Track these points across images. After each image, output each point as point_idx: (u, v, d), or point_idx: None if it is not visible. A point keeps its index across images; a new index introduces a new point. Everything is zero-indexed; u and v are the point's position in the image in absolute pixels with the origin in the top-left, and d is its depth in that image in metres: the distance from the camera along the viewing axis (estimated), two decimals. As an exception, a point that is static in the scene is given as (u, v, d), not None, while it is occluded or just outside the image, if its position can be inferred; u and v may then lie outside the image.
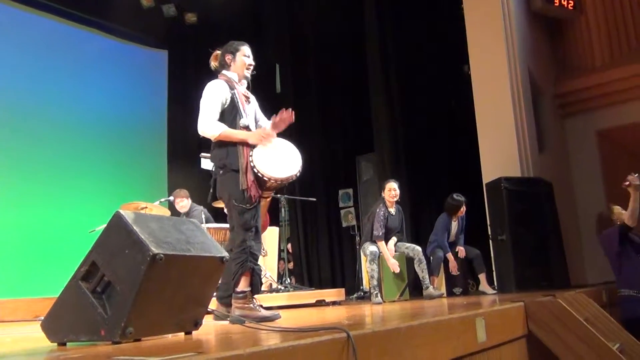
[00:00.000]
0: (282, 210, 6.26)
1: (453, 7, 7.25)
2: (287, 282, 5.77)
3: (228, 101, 3.21)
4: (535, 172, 6.16)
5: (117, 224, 1.99)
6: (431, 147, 7.75)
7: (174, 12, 8.27)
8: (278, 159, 3.14)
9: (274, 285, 5.61)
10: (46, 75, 7.31)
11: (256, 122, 3.42)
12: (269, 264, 5.87)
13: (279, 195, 6.09)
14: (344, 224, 8.45)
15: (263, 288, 5.34)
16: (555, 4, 7.46)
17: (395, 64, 7.80)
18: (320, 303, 5.19)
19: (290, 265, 8.22)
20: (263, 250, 5.71)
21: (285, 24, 8.75)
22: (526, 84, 6.48)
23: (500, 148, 6.11)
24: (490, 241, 5.86)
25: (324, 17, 8.36)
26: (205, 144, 5.76)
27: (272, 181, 3.06)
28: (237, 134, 3.13)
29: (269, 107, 9.24)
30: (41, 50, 7.33)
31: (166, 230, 2.10)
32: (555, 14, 7.65)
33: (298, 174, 3.14)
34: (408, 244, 5.51)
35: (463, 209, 5.85)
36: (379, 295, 5.08)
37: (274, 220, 6.58)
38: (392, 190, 5.50)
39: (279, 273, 6.52)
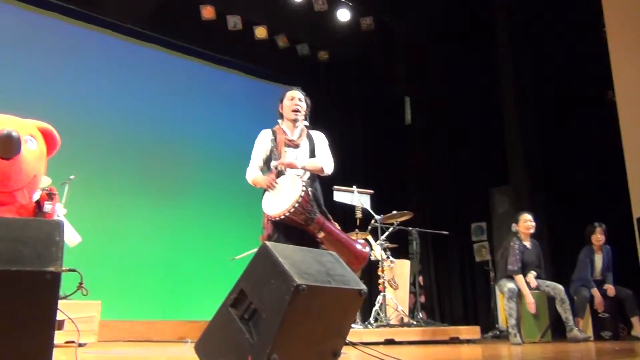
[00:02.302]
0: (413, 243, 6.19)
1: (594, 28, 6.85)
2: (418, 317, 5.66)
3: (268, 149, 3.58)
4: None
5: (263, 255, 2.10)
6: (571, 178, 7.29)
7: (307, 51, 8.65)
8: (278, 196, 3.35)
9: (406, 320, 5.53)
10: (186, 112, 7.93)
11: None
12: (400, 297, 5.80)
13: (409, 228, 6.05)
14: (478, 259, 8.16)
15: (394, 322, 5.30)
16: None
17: (530, 91, 7.50)
18: (454, 340, 5.03)
19: (422, 299, 8.06)
20: (394, 283, 5.69)
21: (414, 57, 8.79)
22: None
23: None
24: (644, 281, 5.35)
25: (453, 48, 8.30)
26: (337, 178, 5.93)
27: (273, 218, 3.29)
28: (258, 180, 3.52)
29: (400, 139, 9.27)
30: (182, 90, 7.95)
31: (308, 262, 2.17)
32: None
33: (295, 205, 3.21)
34: (548, 282, 5.19)
35: (600, 237, 5.41)
36: (517, 335, 4.82)
37: (404, 253, 6.53)
38: (527, 221, 5.25)
39: (410, 307, 6.42)
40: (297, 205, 3.21)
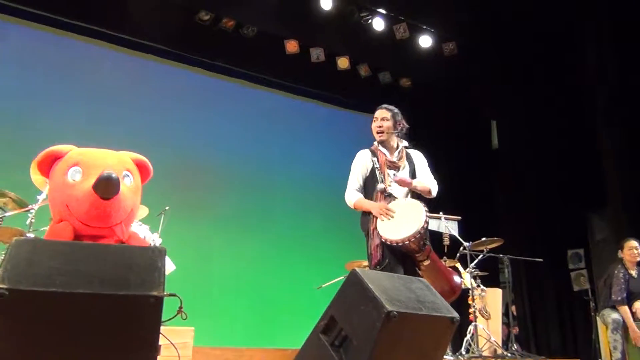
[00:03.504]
0: (505, 271, 5.96)
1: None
2: (513, 349, 5.41)
3: (369, 170, 3.45)
4: None
5: (353, 281, 2.11)
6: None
7: (389, 79, 8.68)
8: (399, 221, 3.20)
9: (499, 351, 5.31)
10: (271, 144, 8.15)
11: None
12: (492, 328, 5.59)
13: (500, 255, 5.84)
14: (576, 288, 7.71)
15: (487, 353, 5.10)
16: None
17: (627, 107, 7.09)
18: (553, 374, 4.76)
19: (515, 330, 7.70)
20: (486, 312, 5.49)
21: (499, 80, 8.59)
22: None
23: None
24: None
25: (540, 68, 8.05)
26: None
27: (394, 243, 3.15)
28: (365, 204, 3.38)
29: (487, 163, 9.04)
30: (267, 122, 8.19)
31: (398, 289, 2.15)
32: None
33: (421, 231, 3.12)
34: (657, 313, 4.82)
35: None
36: (623, 370, 4.49)
37: (495, 281, 6.30)
38: (633, 249, 4.93)
39: (503, 338, 6.16)
40: (422, 231, 3.12)
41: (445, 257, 5.45)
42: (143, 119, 7.18)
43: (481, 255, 5.57)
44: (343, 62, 8.11)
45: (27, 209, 4.23)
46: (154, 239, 4.79)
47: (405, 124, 3.60)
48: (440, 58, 8.14)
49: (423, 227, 3.12)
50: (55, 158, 2.46)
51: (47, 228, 4.12)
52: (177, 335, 4.30)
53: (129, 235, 2.47)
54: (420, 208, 3.22)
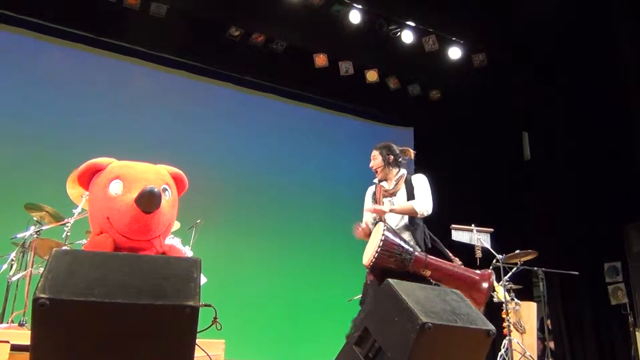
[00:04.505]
0: (540, 284, 5.84)
1: None
2: (549, 364, 5.29)
3: (370, 202, 3.84)
4: None
5: (386, 293, 2.09)
6: None
7: (418, 91, 8.66)
8: (368, 246, 3.50)
9: (535, 367, 5.19)
10: (302, 158, 8.20)
11: None
12: (527, 342, 5.46)
13: (535, 268, 5.73)
14: (613, 302, 7.49)
15: (522, 369, 4.99)
16: None
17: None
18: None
19: (551, 345, 7.52)
20: (520, 326, 5.38)
21: (530, 91, 8.49)
22: None
23: None
24: None
25: (572, 77, 7.92)
26: (453, 217, 5.78)
27: (367, 268, 3.44)
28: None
29: (519, 175, 8.89)
30: (298, 136, 8.27)
31: (432, 300, 2.13)
32: None
33: (380, 251, 3.27)
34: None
35: None
36: (666, 387, 4.34)
37: (528, 295, 6.18)
38: (674, 263, 4.77)
39: (538, 353, 6.01)
40: (379, 250, 3.26)
41: (477, 270, 5.37)
42: (173, 132, 7.34)
43: (515, 268, 5.47)
44: (372, 75, 8.13)
45: (63, 222, 4.33)
46: (185, 252, 4.84)
47: (396, 154, 3.83)
48: (470, 69, 8.09)
49: (379, 245, 3.26)
50: (96, 171, 2.52)
51: (82, 241, 4.22)
52: (208, 348, 4.32)
53: (168, 247, 2.51)
54: (379, 229, 3.38)
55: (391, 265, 3.30)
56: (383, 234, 3.28)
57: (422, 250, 3.47)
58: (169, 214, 2.45)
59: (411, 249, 3.36)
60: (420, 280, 3.20)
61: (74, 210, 4.07)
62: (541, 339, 6.42)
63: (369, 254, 3.39)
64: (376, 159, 3.85)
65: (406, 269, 3.30)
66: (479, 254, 5.25)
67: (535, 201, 8.47)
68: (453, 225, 5.43)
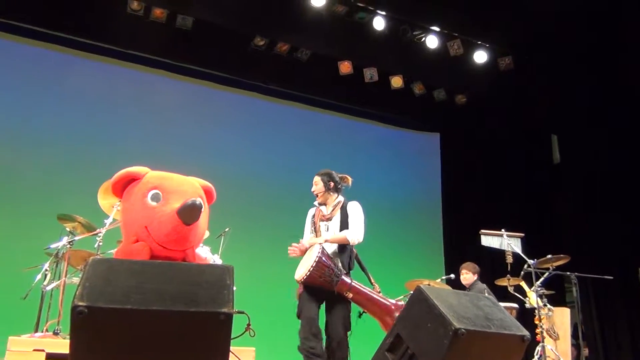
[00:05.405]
0: (573, 289, 5.73)
1: None
2: (584, 371, 5.18)
3: (310, 224, 4.16)
4: None
5: (418, 298, 2.08)
6: None
7: (443, 96, 8.61)
8: (303, 263, 3.83)
9: (569, 373, 5.09)
10: (327, 164, 8.19)
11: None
12: (561, 349, 5.36)
13: (567, 273, 5.62)
14: (648, 306, 7.32)
15: (557, 376, 4.89)
16: None
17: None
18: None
19: (586, 351, 7.37)
20: (554, 333, 5.29)
21: (558, 93, 8.37)
22: None
23: None
24: None
25: (602, 78, 7.79)
26: (482, 222, 5.71)
27: (297, 282, 3.79)
28: None
29: (548, 178, 8.70)
30: (324, 143, 8.27)
31: (464, 306, 2.11)
32: None
33: (312, 270, 3.63)
34: None
35: None
36: None
37: (561, 301, 6.06)
38: None
39: (572, 360, 5.90)
40: (312, 269, 3.62)
41: (508, 275, 5.30)
42: (202, 141, 7.43)
43: (547, 273, 5.37)
44: (397, 81, 8.11)
45: (95, 232, 4.40)
46: (214, 260, 4.89)
47: (336, 180, 4.12)
48: (496, 73, 8.02)
49: (312, 265, 3.61)
50: (131, 179, 2.56)
51: (113, 251, 4.29)
52: (239, 356, 4.35)
53: (196, 255, 2.55)
54: (314, 251, 3.72)
55: (319, 284, 3.67)
56: (317, 256, 3.65)
57: (347, 273, 3.83)
58: (204, 226, 2.52)
59: (339, 272, 3.72)
60: (342, 300, 3.74)
61: (105, 221, 4.13)
62: (575, 345, 6.29)
63: (301, 270, 3.74)
64: (317, 185, 4.11)
65: (332, 288, 3.67)
66: (509, 260, 5.19)
67: (565, 204, 8.34)
68: (482, 231, 5.37)
